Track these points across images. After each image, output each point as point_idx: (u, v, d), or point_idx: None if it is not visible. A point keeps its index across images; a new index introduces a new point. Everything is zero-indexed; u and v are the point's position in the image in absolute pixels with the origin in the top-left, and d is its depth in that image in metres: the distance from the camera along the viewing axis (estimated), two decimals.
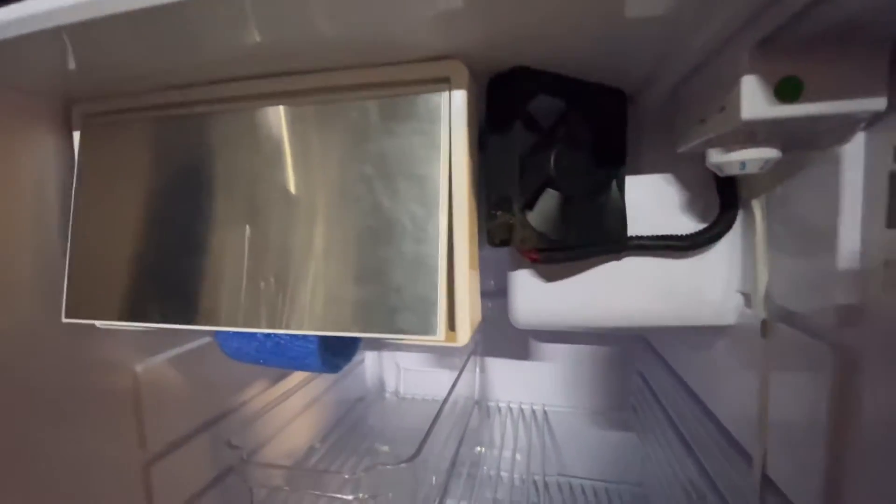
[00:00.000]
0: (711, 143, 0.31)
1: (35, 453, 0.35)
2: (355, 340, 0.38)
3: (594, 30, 0.27)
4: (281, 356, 0.34)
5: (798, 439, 0.33)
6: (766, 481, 0.37)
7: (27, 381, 0.35)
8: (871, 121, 0.26)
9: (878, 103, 0.24)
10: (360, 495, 0.45)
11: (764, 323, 0.36)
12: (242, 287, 0.32)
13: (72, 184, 0.38)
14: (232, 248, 0.33)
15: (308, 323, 0.31)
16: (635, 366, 0.79)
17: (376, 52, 0.29)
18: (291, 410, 0.67)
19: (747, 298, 0.40)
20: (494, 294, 0.77)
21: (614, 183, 0.40)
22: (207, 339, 0.52)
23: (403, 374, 0.92)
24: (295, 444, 0.69)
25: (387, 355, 0.93)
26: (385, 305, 0.30)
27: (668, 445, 0.58)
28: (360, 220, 0.30)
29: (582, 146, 0.38)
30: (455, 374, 0.75)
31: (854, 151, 0.27)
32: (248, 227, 0.33)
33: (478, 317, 0.34)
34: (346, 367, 0.50)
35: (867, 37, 0.23)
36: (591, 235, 0.39)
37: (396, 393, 0.91)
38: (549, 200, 0.37)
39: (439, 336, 0.29)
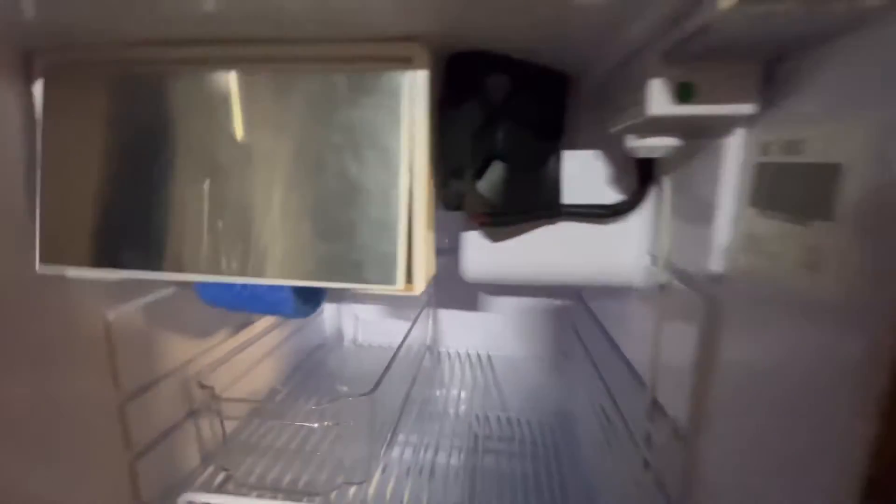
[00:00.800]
0: (629, 129, 0.37)
1: (10, 396, 0.38)
2: (323, 290, 0.43)
3: (542, 19, 0.31)
4: (257, 302, 0.39)
5: (677, 370, 0.42)
6: (656, 405, 0.47)
7: (3, 329, 0.37)
8: (747, 121, 0.33)
9: (750, 108, 0.31)
10: (325, 423, 0.51)
11: (662, 277, 0.45)
12: (203, 238, 0.36)
13: (31, 134, 0.38)
14: (194, 201, 0.36)
15: (279, 273, 0.35)
16: (569, 317, 0.89)
17: (341, 29, 0.32)
18: (254, 356, 0.72)
19: (654, 260, 0.48)
20: (448, 251, 0.83)
21: (553, 157, 0.46)
22: (174, 289, 0.54)
23: (361, 324, 0.98)
24: (258, 386, 0.74)
25: (345, 307, 0.98)
26: (351, 259, 0.34)
27: (590, 383, 0.69)
28: (328, 182, 0.34)
29: (527, 123, 0.43)
30: (410, 323, 0.81)
31: (733, 144, 0.34)
32: (208, 181, 0.35)
33: (432, 270, 0.40)
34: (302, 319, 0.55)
35: (744, 55, 0.29)
36: (531, 203, 0.45)
37: (354, 341, 0.97)
38: (496, 171, 0.42)
39: (399, 286, 0.34)
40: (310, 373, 0.86)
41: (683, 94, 0.30)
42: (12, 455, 0.38)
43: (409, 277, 0.37)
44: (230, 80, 0.35)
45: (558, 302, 0.92)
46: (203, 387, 0.54)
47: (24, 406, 0.39)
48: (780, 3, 0.21)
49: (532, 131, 0.43)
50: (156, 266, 0.37)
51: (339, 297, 0.97)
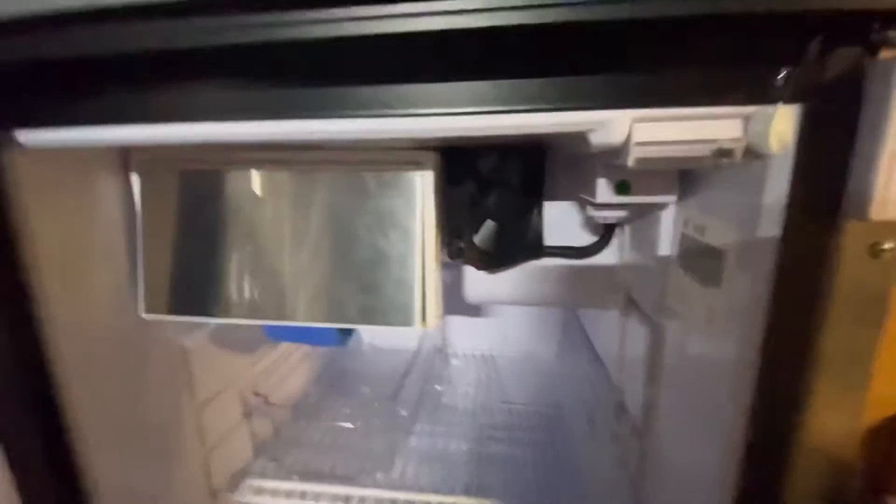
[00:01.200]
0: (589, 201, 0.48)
1: (116, 405, 0.51)
2: None
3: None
4: (306, 336, 0.51)
5: (634, 373, 0.54)
6: (621, 405, 0.59)
7: (117, 356, 0.50)
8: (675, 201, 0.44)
9: (672, 198, 0.42)
10: (357, 424, 0.64)
11: (624, 304, 0.56)
12: (267, 293, 0.48)
13: (129, 213, 0.50)
14: (261, 266, 0.48)
15: (324, 318, 0.47)
16: (562, 323, 1.01)
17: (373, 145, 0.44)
18: (291, 363, 0.85)
19: (618, 289, 0.60)
20: (458, 265, 0.95)
21: (536, 210, 0.57)
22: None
23: (378, 328, 1.10)
24: (296, 388, 0.87)
25: None
26: (380, 308, 0.46)
27: (577, 382, 0.81)
28: (362, 252, 0.46)
29: (512, 187, 0.54)
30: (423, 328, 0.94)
31: (665, 217, 0.45)
32: (272, 251, 0.47)
33: (441, 309, 0.52)
34: None
35: None
36: (518, 249, 0.56)
37: (372, 345, 1.10)
38: (488, 228, 0.53)
39: (417, 327, 0.46)
40: (337, 375, 0.99)
41: (621, 189, 0.41)
42: (116, 451, 0.51)
43: (423, 317, 0.48)
44: (281, 177, 0.46)
45: (554, 310, 1.04)
46: (256, 394, 0.66)
47: (125, 413, 0.52)
48: (667, 161, 0.32)
49: (517, 193, 0.54)
50: (223, 313, 0.49)
51: None
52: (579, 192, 0.51)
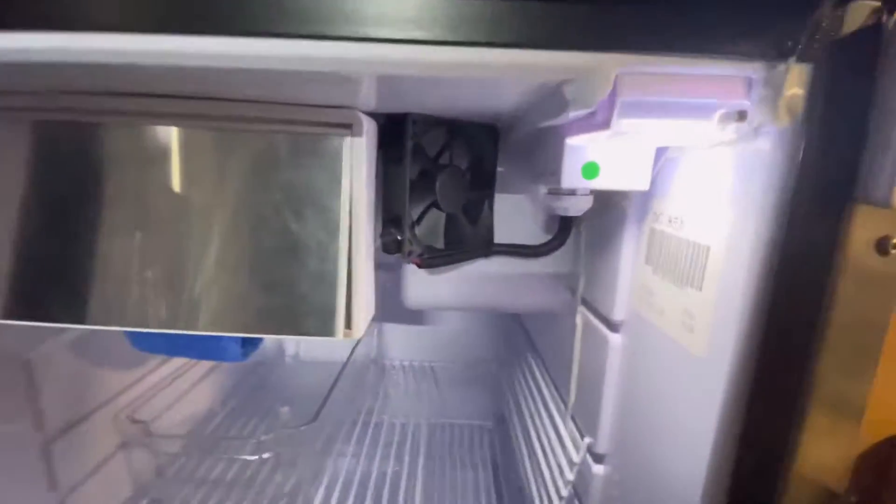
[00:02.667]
0: (549, 191, 0.42)
1: None
2: None
3: (470, 96, 0.35)
4: (193, 349, 0.39)
5: (591, 386, 0.48)
6: (573, 419, 0.53)
7: None
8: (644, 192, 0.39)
9: (644, 184, 0.36)
10: (263, 455, 0.52)
11: (579, 312, 0.50)
12: (132, 289, 0.36)
13: None
14: (123, 252, 0.36)
15: (216, 324, 0.36)
16: (507, 331, 0.95)
17: (283, 96, 0.34)
18: (191, 379, 0.70)
19: (573, 293, 0.54)
20: (394, 266, 0.85)
21: (486, 202, 0.50)
22: None
23: (304, 339, 0.98)
24: (196, 408, 0.72)
25: None
26: (291, 311, 0.36)
27: (520, 389, 0.74)
28: (268, 238, 0.35)
29: (462, 173, 0.46)
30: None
31: (632, 210, 0.40)
32: (140, 233, 0.36)
33: (371, 313, 0.42)
34: None
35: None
36: (465, 245, 0.48)
37: (296, 357, 0.97)
38: (433, 217, 0.45)
39: (338, 336, 0.36)
40: (250, 393, 0.85)
41: (589, 171, 0.35)
42: None
43: (348, 324, 0.39)
44: (167, 135, 0.35)
45: (497, 317, 0.97)
46: (134, 421, 0.53)
47: None
48: (658, 129, 0.26)
49: (466, 181, 0.47)
50: (79, 318, 0.36)
51: None
52: (538, 180, 0.44)
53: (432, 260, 0.46)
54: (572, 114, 0.27)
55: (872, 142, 0.24)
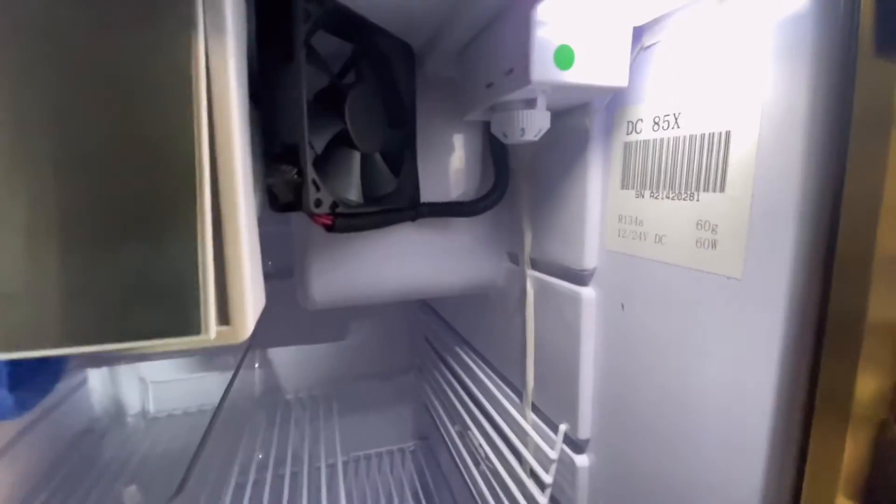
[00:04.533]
0: (496, 109, 0.32)
1: None
2: (56, 361, 0.25)
3: None
4: None
5: (554, 369, 0.39)
6: (534, 408, 0.44)
7: None
8: (611, 101, 0.32)
9: (622, 83, 0.28)
10: None
11: (528, 277, 0.41)
12: None
13: None
14: None
15: None
16: (420, 331, 0.83)
17: None
18: None
19: (516, 259, 0.45)
20: (271, 275, 0.67)
21: (409, 150, 0.38)
22: None
23: (153, 388, 0.72)
24: None
25: (123, 370, 0.71)
26: (111, 301, 0.20)
27: (449, 396, 0.63)
28: (59, 173, 0.19)
29: (374, 97, 0.34)
30: (229, 374, 0.63)
31: (596, 126, 0.32)
32: None
33: (262, 302, 0.27)
34: (50, 398, 0.34)
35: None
36: (389, 200, 0.36)
37: (144, 414, 0.71)
38: (343, 159, 0.32)
39: (207, 335, 0.21)
40: (74, 473, 0.58)
41: (563, 58, 0.26)
42: None
43: (224, 317, 0.23)
44: None
45: (402, 315, 0.85)
46: None
47: None
48: None
49: (381, 109, 0.35)
50: None
51: (110, 356, 0.70)
52: (475, 104, 0.34)
53: (351, 220, 0.32)
54: None
55: None
